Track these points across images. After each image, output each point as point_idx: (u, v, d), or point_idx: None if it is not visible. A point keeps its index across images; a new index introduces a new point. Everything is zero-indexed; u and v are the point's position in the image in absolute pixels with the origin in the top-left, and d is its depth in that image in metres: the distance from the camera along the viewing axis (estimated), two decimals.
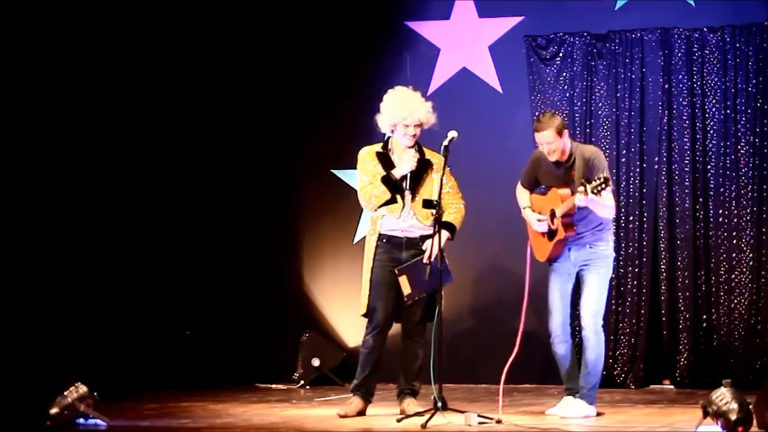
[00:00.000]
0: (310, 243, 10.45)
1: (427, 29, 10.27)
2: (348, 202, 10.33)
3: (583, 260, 7.53)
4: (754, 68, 9.39)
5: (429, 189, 7.67)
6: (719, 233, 9.45)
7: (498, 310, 9.63)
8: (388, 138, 7.89)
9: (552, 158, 7.54)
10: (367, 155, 7.83)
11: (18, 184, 8.83)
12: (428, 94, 10.21)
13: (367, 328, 7.72)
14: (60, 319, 8.88)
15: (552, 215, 7.51)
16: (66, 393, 7.20)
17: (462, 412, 7.14)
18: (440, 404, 7.12)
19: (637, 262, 9.61)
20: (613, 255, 7.65)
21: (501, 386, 7.41)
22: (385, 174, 7.69)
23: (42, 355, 8.56)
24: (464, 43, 10.17)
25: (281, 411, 8.04)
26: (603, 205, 7.36)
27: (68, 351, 8.69)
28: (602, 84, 9.77)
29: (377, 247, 7.70)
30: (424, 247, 7.63)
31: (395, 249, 7.69)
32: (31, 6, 8.83)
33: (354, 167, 10.28)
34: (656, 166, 9.60)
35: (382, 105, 7.79)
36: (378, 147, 7.85)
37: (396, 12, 10.27)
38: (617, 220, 9.64)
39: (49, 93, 9.07)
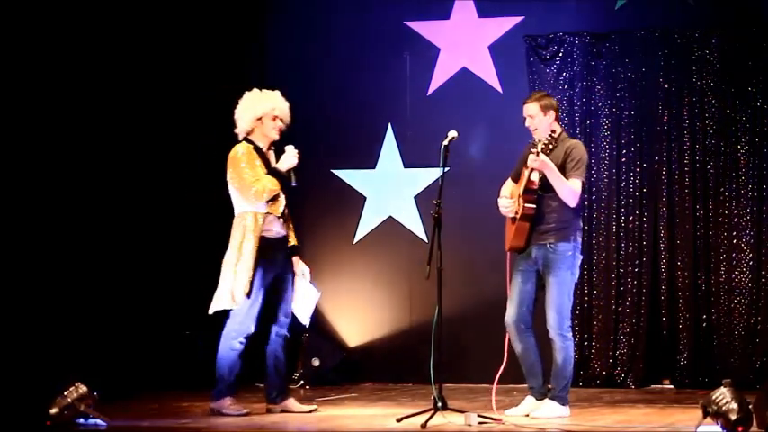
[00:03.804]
0: (310, 243, 10.44)
1: (427, 29, 10.27)
2: (348, 203, 10.36)
3: (543, 260, 7.46)
4: (754, 68, 9.39)
5: None
6: (719, 233, 9.46)
7: (498, 310, 9.61)
8: (245, 139, 7.86)
9: (535, 136, 7.55)
10: (249, 151, 7.76)
11: (18, 184, 8.83)
12: (428, 94, 10.25)
13: (235, 330, 7.75)
14: (60, 318, 8.88)
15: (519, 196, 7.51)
16: (66, 393, 7.20)
17: (462, 412, 7.15)
18: (440, 404, 7.13)
19: (637, 262, 9.61)
20: (579, 257, 7.52)
21: (494, 389, 7.48)
22: (270, 168, 7.74)
23: (42, 355, 8.56)
24: (464, 43, 10.18)
25: (281, 411, 8.03)
26: (560, 179, 7.31)
27: (68, 351, 8.69)
28: (601, 84, 9.77)
29: (259, 248, 7.67)
30: (299, 271, 7.91)
31: (274, 251, 7.75)
32: None
33: (354, 167, 10.42)
34: (656, 166, 9.60)
35: (245, 103, 7.84)
36: (248, 146, 7.80)
37: (396, 12, 10.27)
38: (617, 219, 9.65)
39: (52, 93, 9.07)
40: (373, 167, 10.37)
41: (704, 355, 9.43)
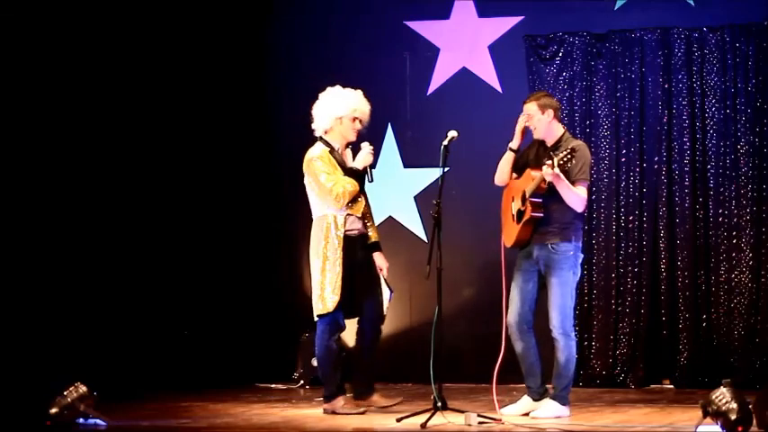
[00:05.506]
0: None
1: (427, 29, 10.27)
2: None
3: (544, 260, 7.48)
4: (754, 68, 9.40)
5: None
6: (719, 233, 9.46)
7: (498, 309, 9.62)
8: (320, 140, 7.84)
9: (535, 135, 7.62)
10: (325, 155, 7.72)
11: (18, 184, 8.83)
12: (428, 93, 10.25)
13: (327, 331, 7.67)
14: (60, 318, 8.88)
15: (524, 197, 7.51)
16: (66, 393, 7.20)
17: (462, 412, 7.15)
18: (440, 404, 7.13)
19: (637, 262, 9.61)
20: (580, 256, 7.56)
21: (494, 386, 7.50)
22: (346, 170, 7.72)
23: (42, 355, 8.56)
24: (464, 43, 10.18)
25: (281, 411, 8.05)
26: (569, 188, 7.34)
27: (68, 351, 8.69)
28: (601, 84, 9.77)
29: (343, 247, 7.66)
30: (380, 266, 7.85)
31: (354, 248, 7.74)
32: None
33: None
34: (656, 166, 9.60)
35: (326, 101, 7.77)
36: (324, 149, 7.77)
37: (396, 11, 10.27)
38: (617, 219, 9.66)
39: (52, 93, 9.07)
40: (374, 167, 10.34)
41: (704, 355, 9.43)
